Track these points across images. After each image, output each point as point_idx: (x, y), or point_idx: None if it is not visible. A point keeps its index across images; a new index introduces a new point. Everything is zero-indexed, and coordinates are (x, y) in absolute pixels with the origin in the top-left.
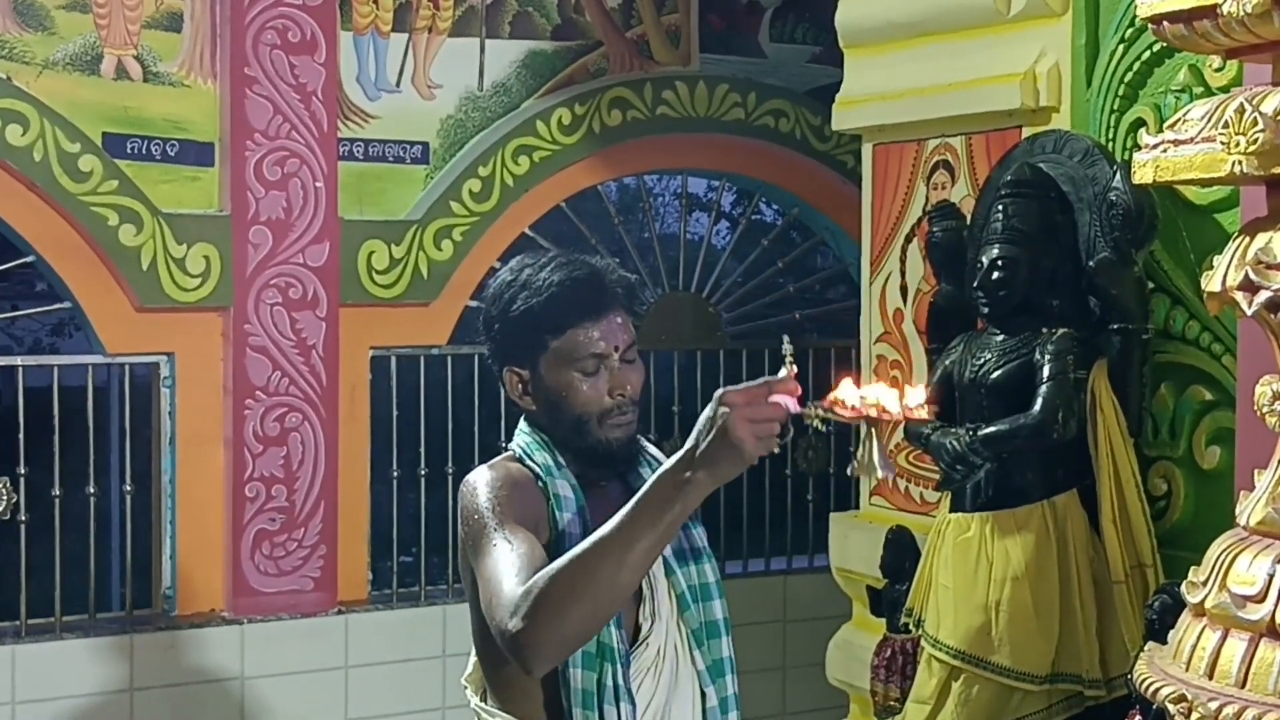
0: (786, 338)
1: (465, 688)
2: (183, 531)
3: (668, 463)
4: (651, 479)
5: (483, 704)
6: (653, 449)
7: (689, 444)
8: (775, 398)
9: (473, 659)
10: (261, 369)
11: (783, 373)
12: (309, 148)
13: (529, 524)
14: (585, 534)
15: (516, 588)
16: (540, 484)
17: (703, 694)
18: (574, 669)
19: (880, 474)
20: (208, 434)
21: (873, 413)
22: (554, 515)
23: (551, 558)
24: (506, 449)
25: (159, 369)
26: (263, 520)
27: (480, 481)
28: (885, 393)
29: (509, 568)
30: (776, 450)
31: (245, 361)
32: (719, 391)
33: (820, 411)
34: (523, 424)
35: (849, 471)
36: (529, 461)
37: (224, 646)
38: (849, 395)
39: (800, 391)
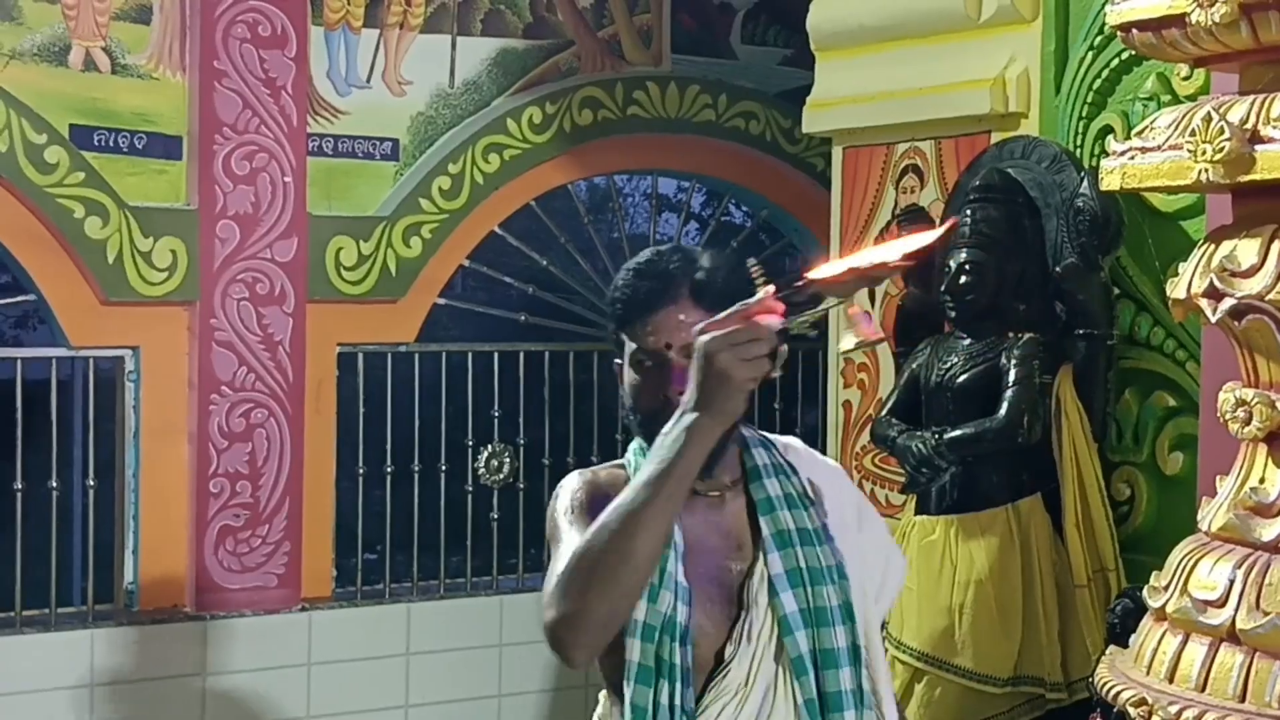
0: (752, 260)
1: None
2: (146, 526)
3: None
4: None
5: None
6: (767, 458)
7: (685, 395)
8: (759, 319)
9: None
10: (227, 364)
11: (759, 295)
12: (278, 142)
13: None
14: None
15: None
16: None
17: None
18: (628, 684)
19: (867, 335)
20: (172, 429)
21: (850, 275)
22: None
23: None
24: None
25: (124, 363)
26: (227, 516)
27: (565, 486)
28: (860, 256)
29: (559, 566)
30: (776, 373)
31: (211, 356)
32: (696, 328)
33: (806, 317)
34: None
35: (840, 351)
36: (627, 461)
37: (186, 642)
38: (822, 272)
39: (783, 308)
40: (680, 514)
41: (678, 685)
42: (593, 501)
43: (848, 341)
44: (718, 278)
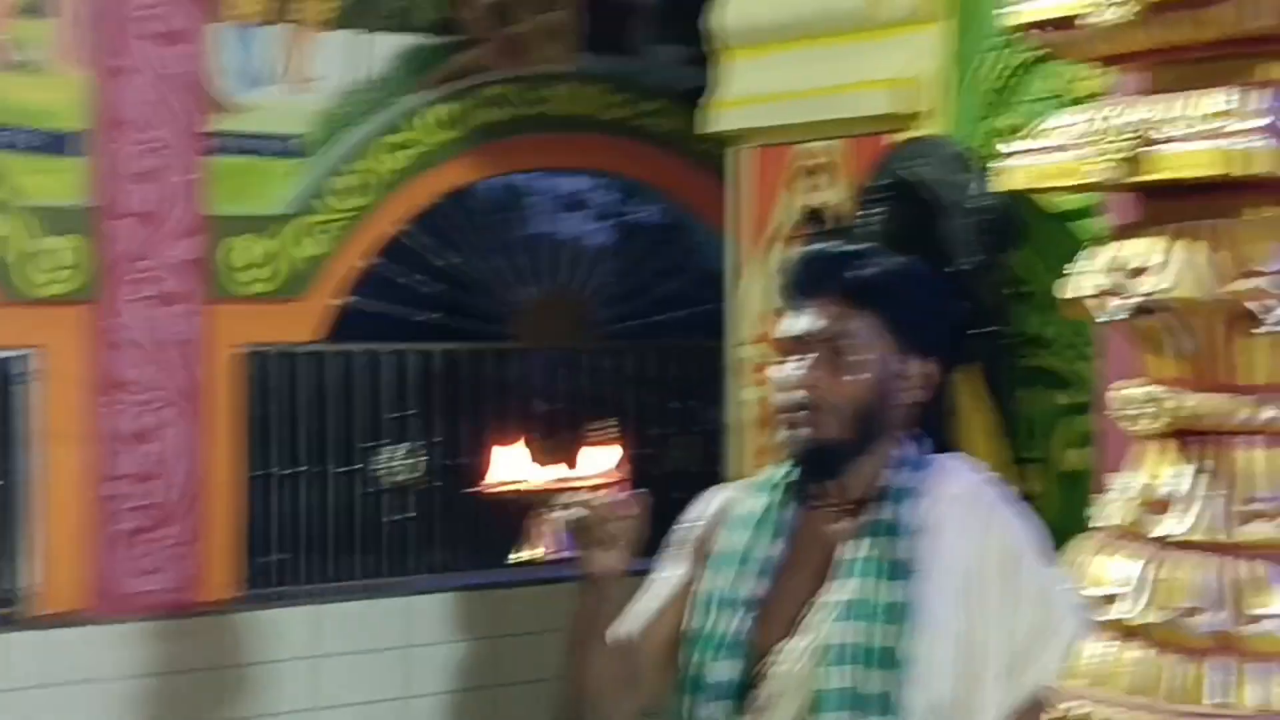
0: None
1: None
2: (45, 529)
3: None
4: None
5: None
6: (894, 479)
7: None
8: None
9: None
10: (128, 365)
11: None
12: (179, 139)
13: (686, 551)
14: (739, 557)
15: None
16: (740, 498)
17: None
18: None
19: (542, 551)
20: (72, 430)
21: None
22: (719, 535)
23: (700, 574)
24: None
25: (23, 363)
26: (128, 518)
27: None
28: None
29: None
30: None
31: (111, 357)
32: None
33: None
34: None
35: (511, 556)
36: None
37: (89, 647)
38: (509, 474)
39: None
40: (796, 525)
41: (700, 698)
42: (692, 518)
43: (524, 553)
44: (874, 276)
